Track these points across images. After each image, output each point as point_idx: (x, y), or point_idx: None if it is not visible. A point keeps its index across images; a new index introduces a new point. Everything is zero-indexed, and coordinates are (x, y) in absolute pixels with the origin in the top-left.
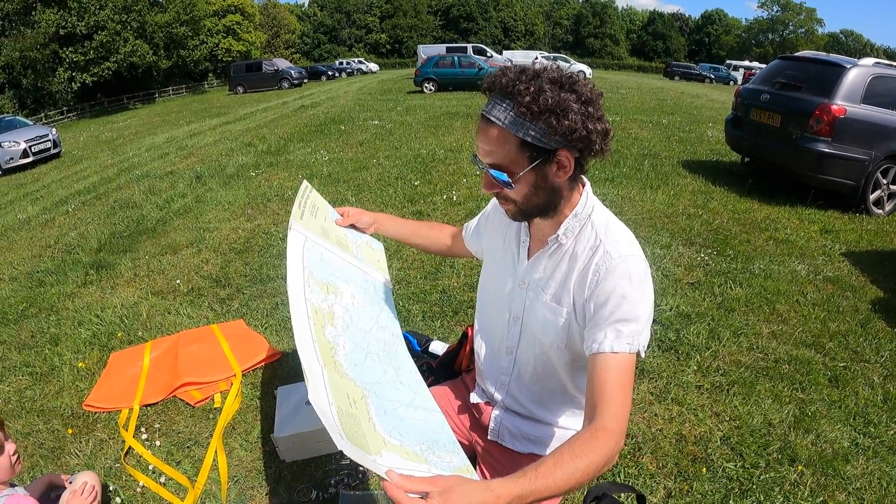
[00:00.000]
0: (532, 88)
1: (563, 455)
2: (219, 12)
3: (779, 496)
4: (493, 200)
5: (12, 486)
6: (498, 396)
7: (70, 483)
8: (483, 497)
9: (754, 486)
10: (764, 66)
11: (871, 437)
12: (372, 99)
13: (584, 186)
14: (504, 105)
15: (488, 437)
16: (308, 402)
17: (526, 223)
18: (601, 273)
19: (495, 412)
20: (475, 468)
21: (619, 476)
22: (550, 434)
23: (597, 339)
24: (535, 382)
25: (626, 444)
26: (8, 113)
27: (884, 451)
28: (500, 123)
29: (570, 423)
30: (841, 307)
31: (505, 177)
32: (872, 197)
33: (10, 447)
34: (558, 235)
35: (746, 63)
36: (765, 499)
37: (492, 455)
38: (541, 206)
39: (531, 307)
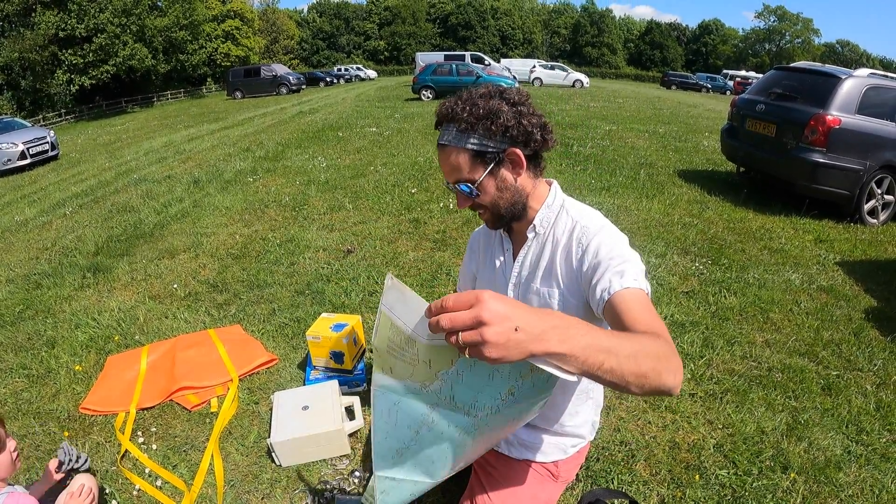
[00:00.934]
0: (466, 107)
1: (624, 332)
2: (218, 17)
3: (771, 503)
4: (468, 241)
5: (10, 485)
6: None
7: (62, 466)
8: (540, 313)
9: (747, 494)
10: (760, 75)
11: (863, 444)
12: (370, 106)
13: (550, 184)
14: (448, 128)
15: None
16: (305, 408)
17: (506, 234)
18: (584, 242)
19: None
20: (471, 473)
21: (613, 483)
22: (544, 440)
23: (603, 286)
24: None
25: (619, 452)
26: (6, 114)
27: (876, 458)
28: (449, 143)
29: (567, 425)
30: (834, 316)
31: (467, 187)
32: (867, 207)
33: (11, 444)
34: (535, 225)
35: (743, 73)
36: None
37: (487, 461)
38: (510, 207)
39: (524, 301)
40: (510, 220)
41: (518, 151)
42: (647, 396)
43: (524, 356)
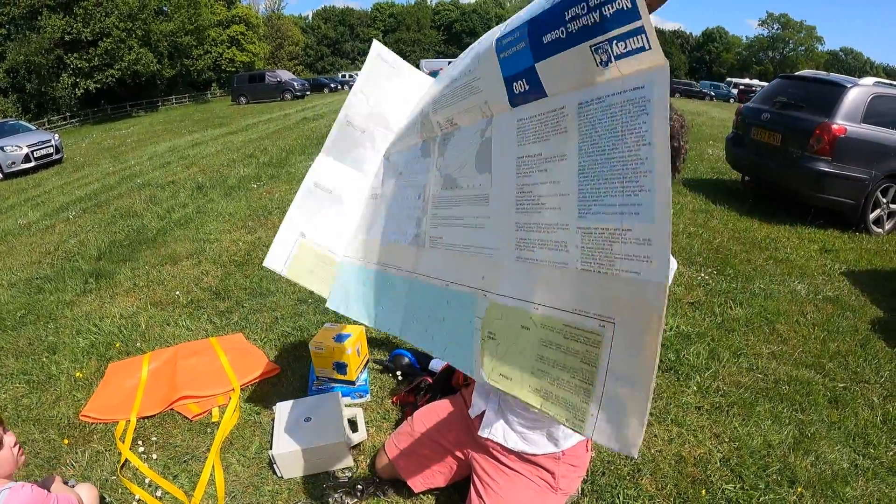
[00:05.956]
0: None
1: None
2: (223, 22)
3: None
4: None
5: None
6: (494, 396)
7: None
8: None
9: None
10: (763, 83)
11: (870, 458)
12: None
13: None
14: None
15: (479, 433)
16: (308, 419)
17: None
18: None
19: (489, 411)
20: (469, 486)
21: (619, 498)
22: (533, 426)
23: None
24: None
25: (624, 466)
26: (11, 117)
27: (883, 472)
28: None
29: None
30: (841, 327)
31: None
32: (872, 216)
33: (9, 439)
34: None
35: (746, 80)
36: None
37: (486, 473)
38: None
39: None
40: None
41: None
42: None
43: None
